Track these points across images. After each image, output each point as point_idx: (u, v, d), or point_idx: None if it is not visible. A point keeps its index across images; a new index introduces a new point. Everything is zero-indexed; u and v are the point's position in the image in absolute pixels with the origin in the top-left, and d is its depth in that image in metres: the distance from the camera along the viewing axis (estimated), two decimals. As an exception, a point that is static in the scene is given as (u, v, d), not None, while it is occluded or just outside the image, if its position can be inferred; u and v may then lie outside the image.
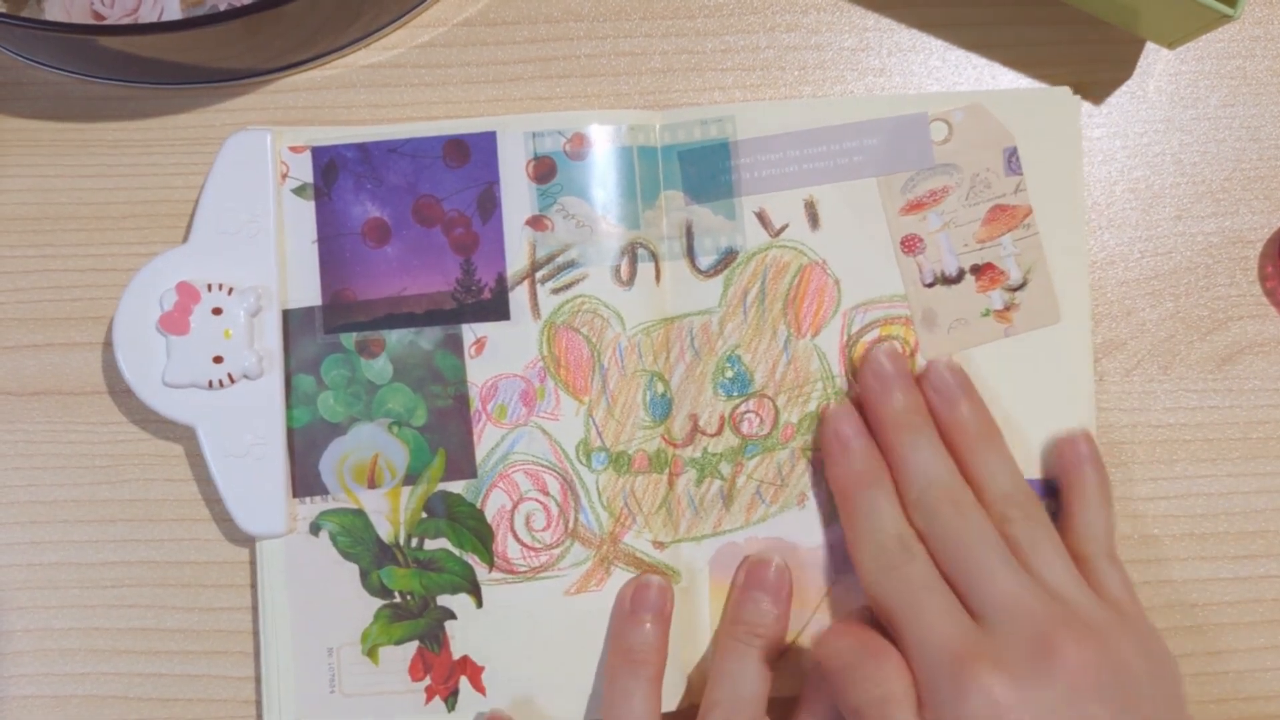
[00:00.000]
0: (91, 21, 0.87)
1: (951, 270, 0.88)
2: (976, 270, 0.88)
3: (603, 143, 0.87)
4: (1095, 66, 0.90)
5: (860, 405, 0.87)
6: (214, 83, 0.90)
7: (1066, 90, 0.88)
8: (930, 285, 0.88)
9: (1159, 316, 0.89)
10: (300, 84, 0.91)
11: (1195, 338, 0.89)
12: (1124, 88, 0.90)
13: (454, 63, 0.91)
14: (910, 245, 0.88)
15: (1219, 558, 0.89)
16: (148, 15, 0.87)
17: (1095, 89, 0.90)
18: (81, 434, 0.90)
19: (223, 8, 0.85)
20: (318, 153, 0.87)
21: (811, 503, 0.88)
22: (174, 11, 0.87)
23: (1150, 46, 0.90)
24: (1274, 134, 0.90)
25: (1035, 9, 0.90)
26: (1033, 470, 0.87)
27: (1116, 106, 0.90)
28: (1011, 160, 0.88)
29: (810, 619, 0.88)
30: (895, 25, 0.91)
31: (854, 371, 0.88)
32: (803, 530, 0.88)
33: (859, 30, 0.91)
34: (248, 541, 0.89)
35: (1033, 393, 0.88)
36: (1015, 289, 0.88)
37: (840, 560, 0.88)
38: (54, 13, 0.87)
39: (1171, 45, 0.88)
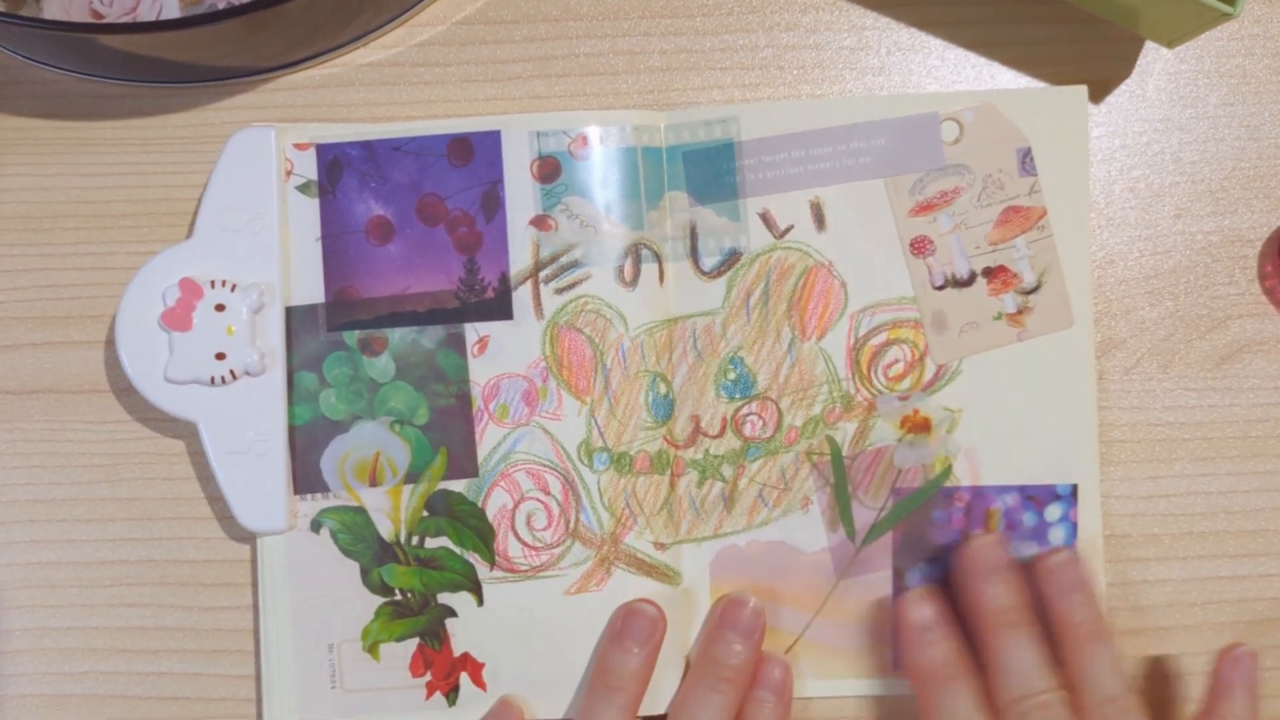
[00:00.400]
0: (90, 20, 0.87)
1: (963, 273, 0.88)
2: (989, 273, 0.88)
3: (607, 143, 0.87)
4: (1095, 65, 0.90)
5: (956, 586, 0.86)
6: (213, 81, 0.90)
7: (1081, 89, 0.88)
8: (941, 288, 0.88)
9: (1158, 315, 0.89)
10: (299, 83, 0.91)
11: (1194, 336, 0.89)
12: (1123, 86, 0.90)
13: (452, 61, 0.91)
14: (920, 247, 0.87)
15: (1218, 556, 0.89)
16: (146, 14, 0.87)
17: (1095, 88, 0.90)
18: (80, 433, 0.90)
19: (221, 6, 0.85)
20: (322, 150, 0.87)
21: (815, 507, 0.88)
22: (173, 10, 0.86)
23: (1150, 45, 0.90)
24: (1273, 133, 0.90)
25: (1034, 8, 0.90)
26: (1038, 476, 0.88)
27: (1116, 105, 0.90)
28: (1025, 161, 0.87)
29: (811, 622, 0.88)
30: (894, 24, 0.91)
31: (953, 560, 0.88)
32: (806, 535, 0.88)
33: (857, 29, 0.91)
34: (247, 540, 0.89)
35: (1040, 396, 0.88)
36: (1029, 292, 0.88)
37: (841, 564, 0.88)
38: (53, 11, 0.87)
39: (1171, 44, 0.88)
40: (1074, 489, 0.88)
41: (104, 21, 0.86)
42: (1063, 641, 0.82)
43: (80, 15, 0.87)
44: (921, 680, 0.83)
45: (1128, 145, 0.90)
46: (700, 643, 0.87)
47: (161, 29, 0.81)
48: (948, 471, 0.88)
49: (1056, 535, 0.88)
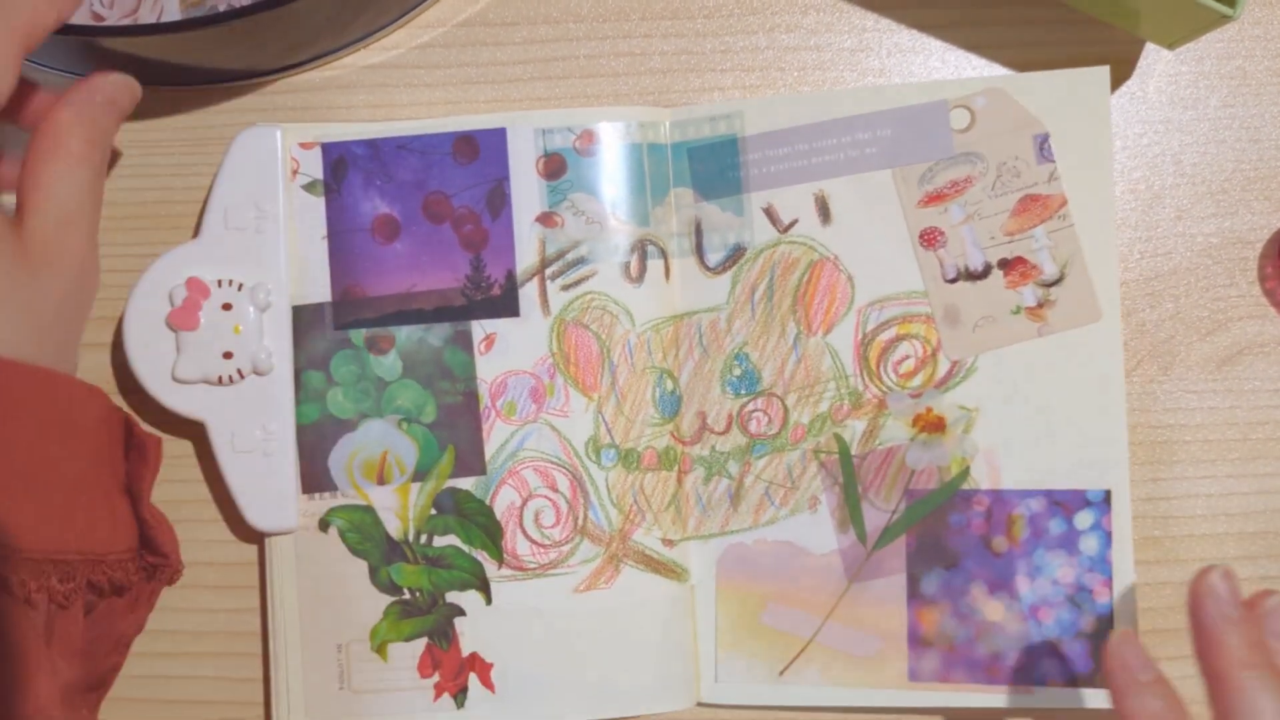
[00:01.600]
0: (91, 23, 0.87)
1: (977, 265, 0.87)
2: (1005, 264, 0.87)
3: (612, 140, 0.87)
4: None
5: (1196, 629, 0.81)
6: (214, 83, 0.90)
7: (1104, 70, 0.87)
8: (953, 281, 0.87)
9: (1159, 317, 0.89)
10: (299, 84, 0.91)
11: (1195, 338, 0.89)
12: (1124, 88, 0.90)
13: (453, 63, 0.91)
14: (930, 239, 0.87)
15: (1219, 558, 0.89)
16: (147, 16, 0.87)
17: (1095, 89, 0.90)
18: (82, 435, 0.90)
19: (222, 8, 0.85)
20: (328, 149, 0.87)
21: (824, 507, 0.88)
22: (173, 12, 0.86)
23: (1150, 47, 0.90)
24: (1274, 135, 0.90)
25: (1035, 10, 0.90)
26: (1065, 481, 0.87)
27: (1116, 107, 0.90)
28: (1043, 147, 0.87)
29: (821, 627, 0.88)
30: (894, 26, 0.91)
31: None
32: (815, 535, 0.88)
33: (858, 31, 0.91)
34: (254, 540, 0.89)
35: (1065, 394, 0.87)
36: (1050, 284, 0.87)
37: (852, 567, 0.88)
38: (53, 13, 0.87)
39: (1171, 46, 0.88)
40: (1107, 494, 0.86)
41: (104, 24, 0.86)
42: None
43: (81, 18, 0.86)
44: None
45: (1128, 147, 0.90)
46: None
47: (162, 31, 0.81)
48: (965, 473, 0.87)
49: (1089, 544, 0.87)
